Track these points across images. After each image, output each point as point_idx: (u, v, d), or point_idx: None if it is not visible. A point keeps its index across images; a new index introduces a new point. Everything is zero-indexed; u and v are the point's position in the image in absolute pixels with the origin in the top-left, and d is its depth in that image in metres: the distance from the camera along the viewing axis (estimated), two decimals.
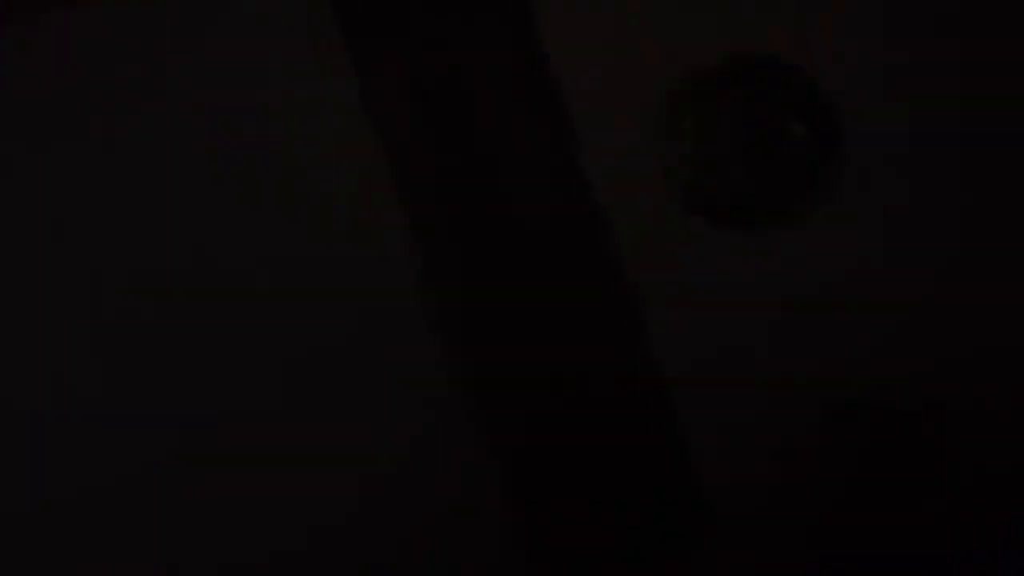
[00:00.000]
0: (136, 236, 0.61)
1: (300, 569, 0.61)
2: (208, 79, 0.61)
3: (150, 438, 0.61)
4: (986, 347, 0.60)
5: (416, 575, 0.61)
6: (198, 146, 0.61)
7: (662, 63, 0.60)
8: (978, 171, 0.60)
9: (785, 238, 0.59)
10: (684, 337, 0.60)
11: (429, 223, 0.60)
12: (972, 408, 0.60)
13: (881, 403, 0.60)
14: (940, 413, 0.60)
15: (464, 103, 0.60)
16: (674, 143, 0.59)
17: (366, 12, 0.61)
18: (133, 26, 0.61)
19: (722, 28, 0.59)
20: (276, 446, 0.61)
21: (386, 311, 0.61)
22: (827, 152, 0.59)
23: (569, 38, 0.60)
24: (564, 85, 0.60)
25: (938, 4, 0.59)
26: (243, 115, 0.61)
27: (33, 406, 0.61)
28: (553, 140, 0.60)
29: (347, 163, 0.61)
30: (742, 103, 0.59)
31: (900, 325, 0.60)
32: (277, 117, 0.60)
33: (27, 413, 0.61)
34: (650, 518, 0.60)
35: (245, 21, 0.61)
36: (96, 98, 0.61)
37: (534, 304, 0.60)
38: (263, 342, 0.61)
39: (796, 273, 0.60)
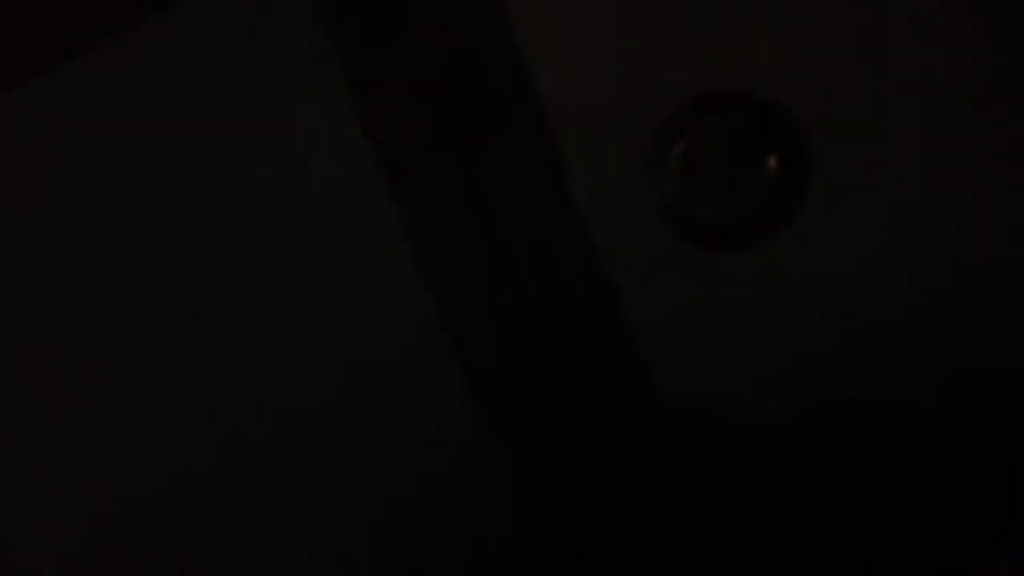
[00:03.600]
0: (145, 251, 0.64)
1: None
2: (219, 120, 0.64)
3: (154, 450, 0.64)
4: (961, 350, 0.63)
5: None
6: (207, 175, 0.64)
7: (649, 98, 0.63)
8: (944, 186, 0.63)
9: (762, 258, 0.63)
10: (672, 348, 0.63)
11: (429, 238, 0.64)
12: (952, 408, 0.63)
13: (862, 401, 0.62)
14: (920, 413, 0.62)
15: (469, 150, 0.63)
16: (661, 173, 0.63)
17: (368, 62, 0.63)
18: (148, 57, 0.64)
19: (705, 64, 0.63)
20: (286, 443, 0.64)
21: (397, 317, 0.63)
22: (799, 179, 0.62)
23: (560, 72, 0.63)
24: (556, 116, 0.63)
25: (909, 35, 0.63)
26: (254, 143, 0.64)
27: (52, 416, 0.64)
28: (546, 166, 0.64)
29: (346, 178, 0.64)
30: (723, 135, 0.63)
31: (873, 331, 0.63)
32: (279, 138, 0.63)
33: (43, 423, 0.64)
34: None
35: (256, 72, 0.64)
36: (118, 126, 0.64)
37: (526, 315, 0.63)
38: (278, 354, 0.64)
39: (772, 288, 0.63)
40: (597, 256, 0.63)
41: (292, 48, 0.64)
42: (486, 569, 0.64)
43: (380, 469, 0.64)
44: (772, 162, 0.62)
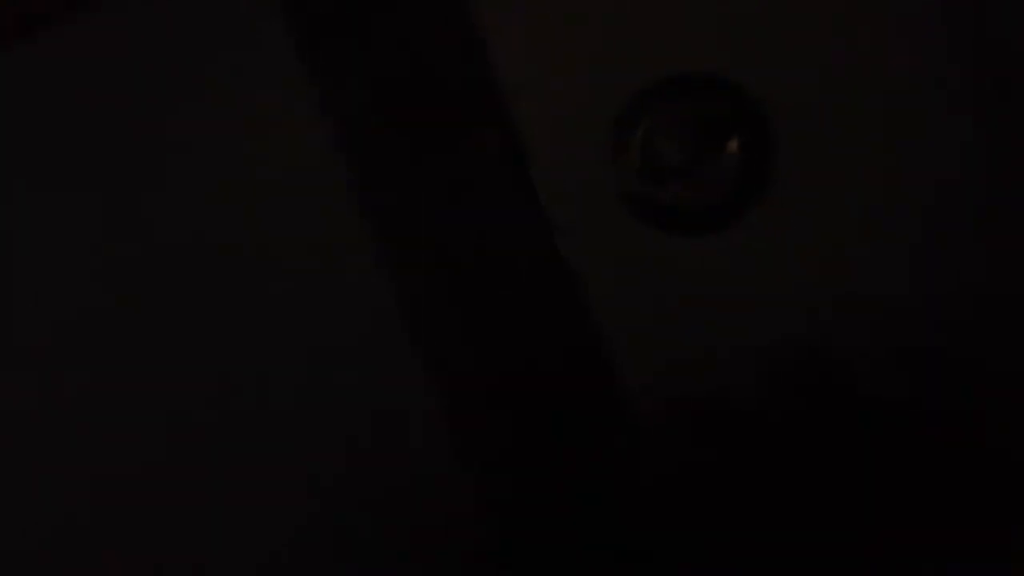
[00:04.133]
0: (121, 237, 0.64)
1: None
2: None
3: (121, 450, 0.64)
4: (917, 338, 0.63)
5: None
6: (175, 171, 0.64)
7: (611, 82, 0.63)
8: (907, 170, 0.63)
9: (724, 241, 0.63)
10: (631, 329, 0.62)
11: (394, 232, 0.63)
12: (911, 394, 0.62)
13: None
14: (882, 400, 0.62)
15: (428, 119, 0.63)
16: (622, 159, 0.62)
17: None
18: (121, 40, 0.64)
19: (666, 48, 0.63)
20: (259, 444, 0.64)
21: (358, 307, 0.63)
22: (762, 163, 0.62)
23: (519, 59, 0.63)
24: (517, 101, 0.63)
25: (876, 17, 0.62)
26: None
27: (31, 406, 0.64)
28: (509, 152, 0.63)
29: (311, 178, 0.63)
30: (683, 119, 0.62)
31: (836, 318, 0.62)
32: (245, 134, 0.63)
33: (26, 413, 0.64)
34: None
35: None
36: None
37: (492, 304, 0.63)
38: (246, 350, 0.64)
39: (733, 271, 0.63)
40: (557, 244, 0.62)
41: (254, 42, 0.64)
42: (449, 570, 0.63)
43: (339, 467, 0.64)
44: (733, 146, 0.62)
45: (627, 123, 0.63)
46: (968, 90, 0.62)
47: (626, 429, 0.63)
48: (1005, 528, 0.63)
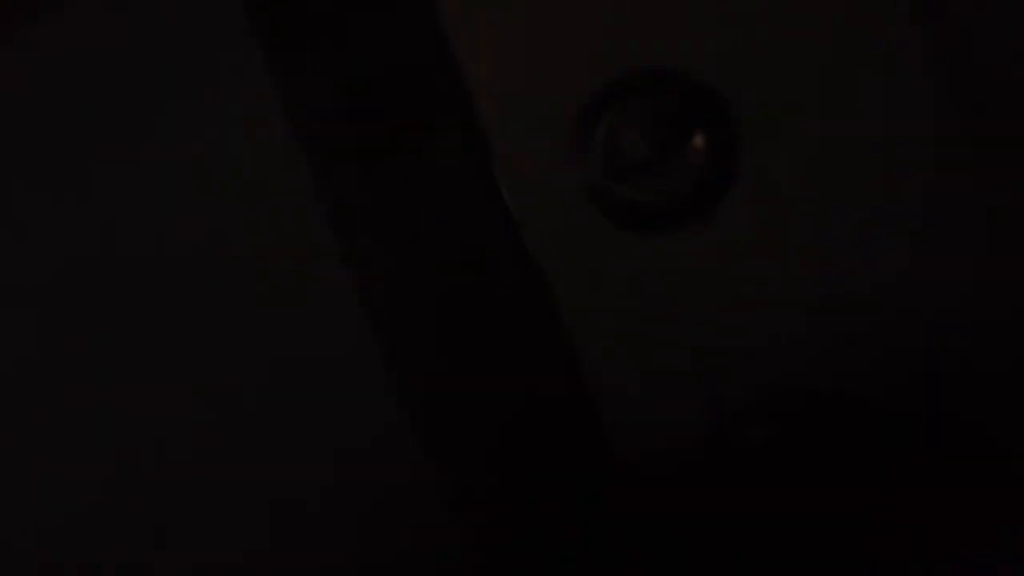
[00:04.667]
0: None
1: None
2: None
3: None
4: (896, 337, 0.61)
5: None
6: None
7: (574, 76, 0.62)
8: (878, 165, 0.62)
9: (690, 239, 0.62)
10: (599, 331, 0.61)
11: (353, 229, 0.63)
12: (889, 397, 0.61)
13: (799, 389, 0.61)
14: (858, 401, 0.61)
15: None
16: (586, 154, 0.62)
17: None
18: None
19: (631, 42, 0.62)
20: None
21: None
22: (728, 159, 0.61)
23: (481, 49, 0.62)
24: (478, 95, 0.62)
25: (845, 12, 0.61)
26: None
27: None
28: (472, 150, 0.62)
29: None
30: (647, 114, 0.62)
31: (808, 316, 0.61)
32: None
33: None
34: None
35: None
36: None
37: (458, 302, 0.62)
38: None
39: (701, 270, 0.62)
40: (524, 244, 0.62)
41: (215, 40, 0.64)
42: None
43: (307, 478, 0.63)
44: (698, 142, 0.61)
45: (591, 117, 0.62)
46: (946, 80, 0.61)
47: (596, 429, 0.62)
48: (1005, 528, 0.62)
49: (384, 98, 0.63)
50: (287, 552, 0.63)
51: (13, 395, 0.63)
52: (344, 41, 0.63)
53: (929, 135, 0.61)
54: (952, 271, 0.61)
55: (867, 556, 0.62)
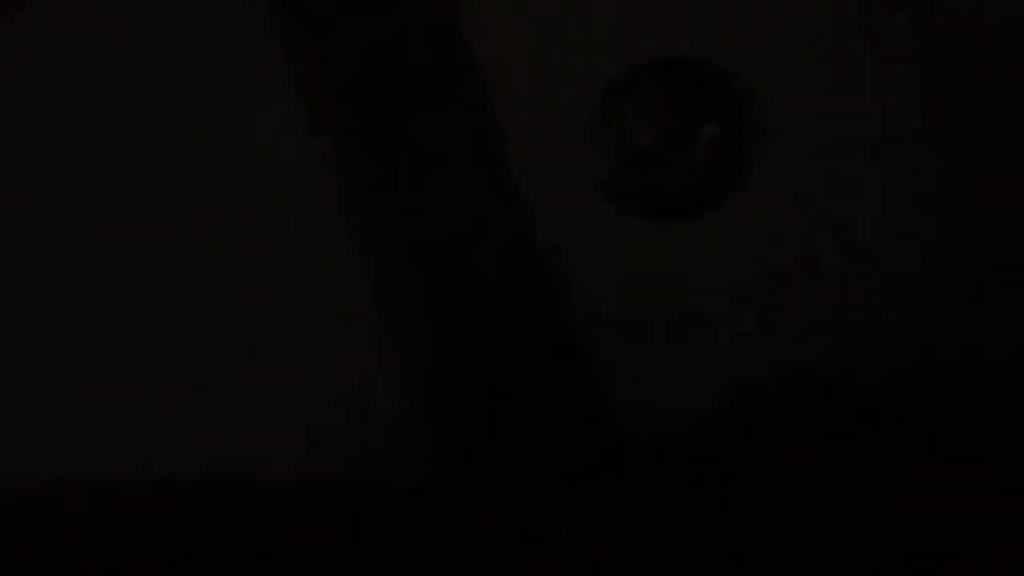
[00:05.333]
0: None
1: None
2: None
3: None
4: (902, 324, 0.62)
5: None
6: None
7: (588, 66, 0.63)
8: (887, 151, 0.63)
9: (702, 227, 0.62)
10: (609, 318, 0.62)
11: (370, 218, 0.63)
12: (895, 384, 0.61)
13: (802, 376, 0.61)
14: (864, 389, 0.61)
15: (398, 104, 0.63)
16: (599, 142, 0.62)
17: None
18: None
19: (645, 31, 0.63)
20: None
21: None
22: (742, 146, 0.62)
23: (496, 41, 0.63)
24: (493, 86, 0.63)
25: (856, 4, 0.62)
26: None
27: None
28: (484, 138, 0.63)
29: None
30: (661, 101, 0.62)
31: (820, 302, 0.61)
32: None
33: None
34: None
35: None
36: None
37: (463, 284, 0.62)
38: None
39: (711, 259, 0.63)
40: (534, 228, 0.62)
41: (225, 23, 0.64)
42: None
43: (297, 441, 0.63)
44: (712, 130, 0.61)
45: (605, 106, 0.62)
46: (954, 77, 0.62)
47: (598, 409, 0.62)
48: (1003, 529, 0.62)
49: (395, 78, 0.63)
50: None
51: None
52: (354, 22, 0.63)
53: (938, 129, 0.62)
54: (954, 265, 0.62)
55: (864, 537, 0.61)
